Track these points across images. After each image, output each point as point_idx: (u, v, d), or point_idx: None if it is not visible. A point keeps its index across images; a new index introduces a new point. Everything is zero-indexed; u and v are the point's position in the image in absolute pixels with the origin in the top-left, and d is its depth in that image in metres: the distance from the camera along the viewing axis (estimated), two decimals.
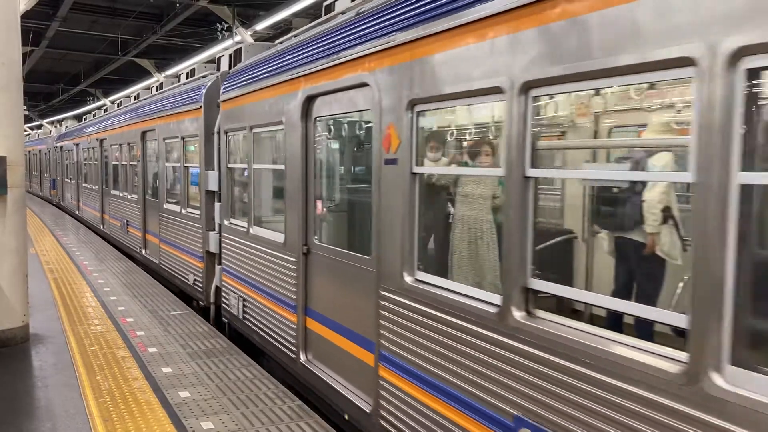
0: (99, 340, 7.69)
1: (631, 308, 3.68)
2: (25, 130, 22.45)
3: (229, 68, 9.58)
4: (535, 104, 3.48)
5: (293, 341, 6.48)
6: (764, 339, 2.83)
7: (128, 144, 14.55)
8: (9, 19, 7.44)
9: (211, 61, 11.51)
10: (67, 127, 30.14)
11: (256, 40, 17.21)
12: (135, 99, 17.24)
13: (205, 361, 7.05)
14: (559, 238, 5.74)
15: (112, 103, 25.83)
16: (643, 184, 4.68)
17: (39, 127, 51.71)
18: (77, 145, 22.66)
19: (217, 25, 18.76)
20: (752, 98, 2.48)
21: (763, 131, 2.57)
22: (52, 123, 48.33)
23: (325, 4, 6.80)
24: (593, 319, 4.82)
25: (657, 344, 2.92)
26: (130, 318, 8.78)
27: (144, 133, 13.03)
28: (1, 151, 7.30)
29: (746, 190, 2.47)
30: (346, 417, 5.45)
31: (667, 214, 4.57)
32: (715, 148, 2.50)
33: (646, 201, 4.64)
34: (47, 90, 40.45)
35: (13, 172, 7.39)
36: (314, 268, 6.17)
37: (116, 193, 16.13)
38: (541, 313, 3.50)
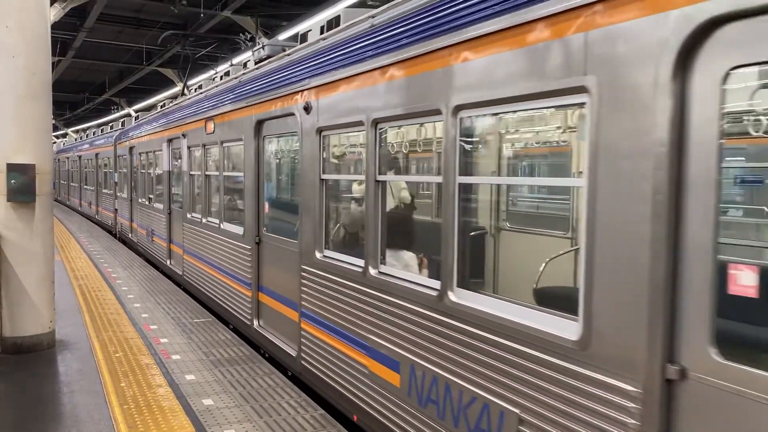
0: (123, 347, 7.75)
1: None
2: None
3: (136, 120, 20.56)
4: None
5: None
6: None
7: (89, 159, 26.39)
8: (40, 30, 7.55)
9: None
10: (64, 143, 42.45)
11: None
12: (96, 133, 29.88)
13: (228, 369, 7.07)
14: None
15: (136, 112, 28.78)
16: None
17: (64, 135, 52.60)
18: (68, 158, 33.83)
19: (241, 35, 18.97)
20: None
21: None
22: (77, 132, 49.16)
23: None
24: None
25: None
26: (153, 325, 8.85)
27: (96, 154, 24.44)
28: (30, 159, 7.40)
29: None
30: None
31: None
32: None
33: None
34: (73, 99, 41.19)
35: (41, 180, 7.48)
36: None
37: (86, 187, 27.81)
38: None
